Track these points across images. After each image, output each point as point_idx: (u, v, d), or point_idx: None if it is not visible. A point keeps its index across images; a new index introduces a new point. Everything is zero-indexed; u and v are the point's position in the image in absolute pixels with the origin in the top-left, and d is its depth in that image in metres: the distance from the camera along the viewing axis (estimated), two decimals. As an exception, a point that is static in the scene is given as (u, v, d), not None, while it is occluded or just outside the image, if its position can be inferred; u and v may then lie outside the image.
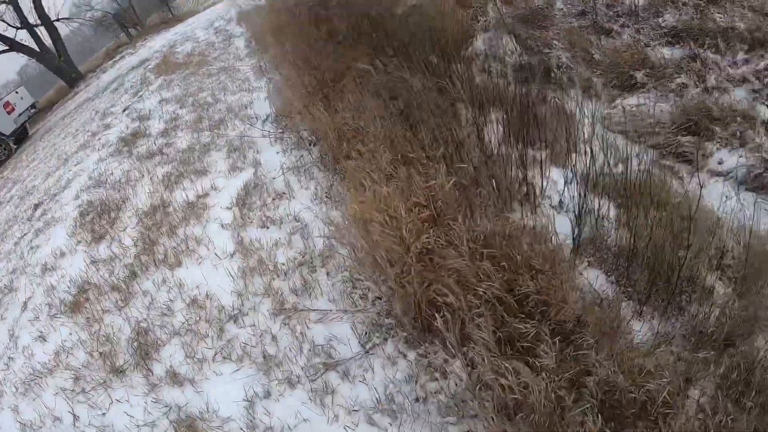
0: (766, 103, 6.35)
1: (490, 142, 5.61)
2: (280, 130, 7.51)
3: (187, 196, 6.82)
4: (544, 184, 5.24)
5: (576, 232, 4.61)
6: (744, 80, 6.68)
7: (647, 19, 7.72)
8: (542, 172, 5.35)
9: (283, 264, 5.20)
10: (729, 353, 3.77)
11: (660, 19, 7.66)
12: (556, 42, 7.61)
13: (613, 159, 5.67)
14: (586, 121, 6.36)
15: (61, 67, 26.27)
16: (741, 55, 6.95)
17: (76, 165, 9.30)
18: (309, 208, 5.84)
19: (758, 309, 4.10)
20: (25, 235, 7.86)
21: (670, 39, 7.39)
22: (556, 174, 5.48)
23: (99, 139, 10.00)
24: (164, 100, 10.80)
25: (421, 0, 9.38)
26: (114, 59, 26.13)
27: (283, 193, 6.28)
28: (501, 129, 6.04)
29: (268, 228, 5.83)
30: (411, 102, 6.03)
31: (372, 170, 4.92)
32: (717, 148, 5.94)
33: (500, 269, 3.76)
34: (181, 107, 10.05)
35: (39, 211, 8.38)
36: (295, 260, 5.21)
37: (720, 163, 5.82)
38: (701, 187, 4.34)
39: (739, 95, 6.53)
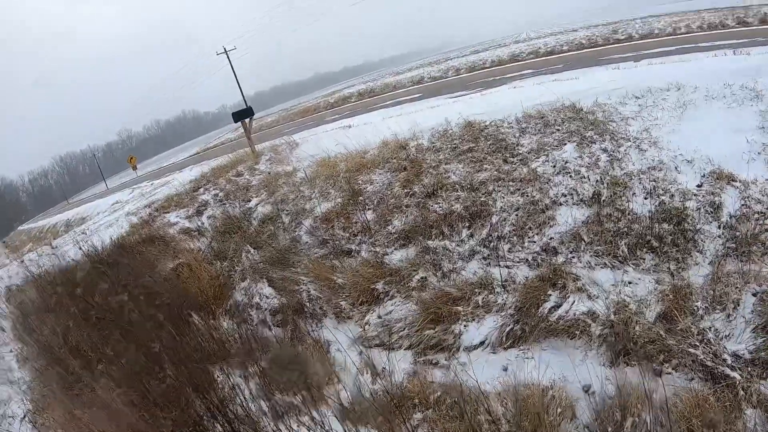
0: (498, 264, 6.58)
1: (243, 402, 5.06)
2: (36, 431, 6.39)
3: None
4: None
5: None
6: (473, 253, 7.05)
7: (379, 231, 8.13)
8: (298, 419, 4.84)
9: None
10: None
11: (390, 227, 8.10)
12: (303, 278, 7.63)
13: (371, 376, 5.41)
14: (342, 345, 6.16)
15: None
16: (465, 232, 7.44)
17: None
18: None
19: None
20: None
21: (403, 242, 7.79)
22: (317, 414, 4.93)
23: None
24: None
25: (180, 261, 9.28)
26: None
27: None
28: (258, 382, 5.62)
29: None
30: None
31: None
32: (465, 326, 5.92)
33: None
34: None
35: None
36: None
37: (469, 339, 5.74)
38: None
39: (472, 268, 6.79)
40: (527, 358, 5.31)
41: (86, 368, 6.60)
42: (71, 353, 7.26)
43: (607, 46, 19.87)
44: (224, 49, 44.42)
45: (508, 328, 5.65)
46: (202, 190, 12.95)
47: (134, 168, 45.92)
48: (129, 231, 12.14)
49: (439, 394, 4.95)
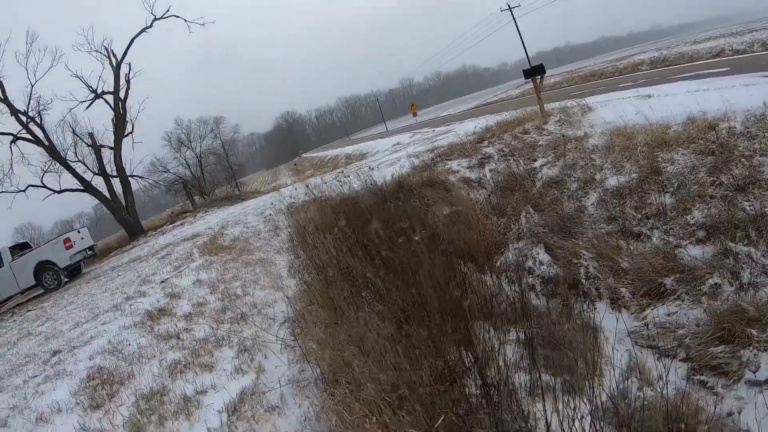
0: (810, 290, 6.04)
1: (501, 368, 5.51)
2: (293, 338, 7.56)
3: (186, 389, 6.90)
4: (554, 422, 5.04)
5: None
6: (781, 270, 6.46)
7: (676, 218, 7.86)
8: (554, 404, 5.18)
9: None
10: None
11: (689, 217, 7.77)
12: (584, 252, 7.84)
13: (639, 381, 5.49)
14: (612, 336, 6.24)
15: (126, 219, 28.58)
16: (775, 243, 6.78)
17: (102, 324, 9.51)
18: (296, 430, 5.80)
19: None
20: (36, 376, 8.03)
21: (701, 237, 7.42)
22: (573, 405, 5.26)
23: (131, 304, 10.24)
24: (199, 281, 11.15)
25: (457, 208, 10.00)
26: (174, 223, 27.71)
27: (276, 407, 6.30)
28: (519, 350, 5.93)
29: (251, 441, 5.88)
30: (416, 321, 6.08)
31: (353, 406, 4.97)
32: (755, 354, 5.58)
33: None
34: (211, 292, 10.31)
35: (56, 358, 8.43)
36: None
37: (755, 371, 5.42)
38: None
39: (776, 288, 6.27)
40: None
41: (352, 294, 7.30)
42: (341, 276, 7.99)
43: None
44: (508, 5, 44.27)
45: (804, 373, 5.25)
46: (486, 142, 13.44)
47: (414, 114, 49.64)
48: (410, 172, 13.20)
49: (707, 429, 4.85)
